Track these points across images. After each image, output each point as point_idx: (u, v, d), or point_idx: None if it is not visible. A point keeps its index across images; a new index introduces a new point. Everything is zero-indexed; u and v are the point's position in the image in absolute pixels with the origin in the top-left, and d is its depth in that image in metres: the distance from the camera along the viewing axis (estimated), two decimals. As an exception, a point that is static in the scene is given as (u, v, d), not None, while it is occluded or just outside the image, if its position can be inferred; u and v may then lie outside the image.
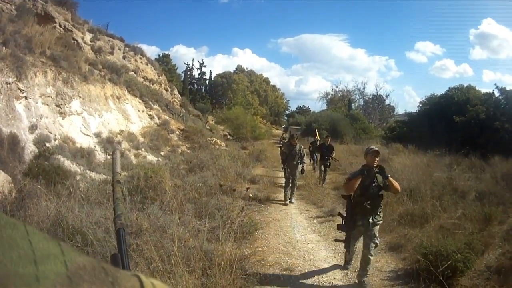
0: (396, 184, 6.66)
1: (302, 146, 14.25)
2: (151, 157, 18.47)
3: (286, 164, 13.61)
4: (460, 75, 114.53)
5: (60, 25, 21.37)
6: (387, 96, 72.36)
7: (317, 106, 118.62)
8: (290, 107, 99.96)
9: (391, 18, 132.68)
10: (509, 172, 14.75)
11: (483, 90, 36.00)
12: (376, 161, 6.66)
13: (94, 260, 0.55)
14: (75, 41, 22.17)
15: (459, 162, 18.65)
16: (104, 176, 12.49)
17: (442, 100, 34.13)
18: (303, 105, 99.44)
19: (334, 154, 17.21)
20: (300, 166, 13.67)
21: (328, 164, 16.84)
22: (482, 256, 7.17)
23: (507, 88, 29.18)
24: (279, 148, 19.90)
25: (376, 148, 6.85)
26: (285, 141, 20.52)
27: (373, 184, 6.68)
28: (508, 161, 17.18)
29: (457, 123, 28.13)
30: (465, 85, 35.71)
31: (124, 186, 7.59)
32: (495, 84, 31.86)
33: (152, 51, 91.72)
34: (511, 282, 5.98)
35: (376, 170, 6.66)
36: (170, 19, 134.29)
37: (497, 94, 29.62)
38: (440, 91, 40.16)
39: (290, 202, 13.23)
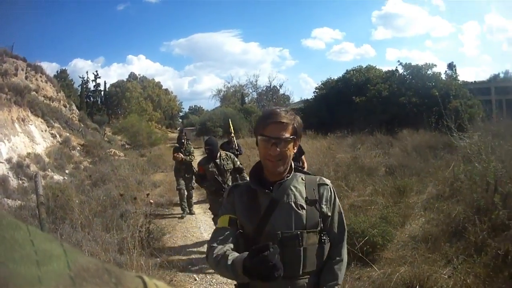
0: None
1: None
2: (57, 177, 18.14)
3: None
4: (361, 56, 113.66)
5: (-30, 53, 20.86)
6: (280, 86, 71.22)
7: (210, 104, 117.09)
8: (183, 108, 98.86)
9: (286, 8, 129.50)
10: (420, 143, 14.79)
11: (386, 68, 35.90)
12: None
13: (98, 261, 0.55)
14: (-17, 67, 21.50)
15: (363, 141, 18.28)
16: (19, 201, 12.42)
17: (339, 83, 33.97)
18: (195, 105, 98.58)
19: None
20: None
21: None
22: (403, 228, 7.10)
23: (413, 64, 29.48)
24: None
25: None
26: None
27: None
28: (419, 133, 17.24)
29: (357, 104, 28.29)
30: (364, 66, 35.68)
31: (36, 211, 7.70)
32: (399, 61, 31.64)
33: (52, 67, 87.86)
34: (442, 248, 5.82)
35: None
36: (68, 33, 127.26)
37: (401, 70, 30.03)
38: (338, 74, 38.12)
39: None
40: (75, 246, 6.24)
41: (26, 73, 29.71)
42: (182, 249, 8.15)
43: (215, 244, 2.21)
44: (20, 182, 15.68)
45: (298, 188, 2.29)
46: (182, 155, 11.08)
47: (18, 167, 16.76)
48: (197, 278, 6.57)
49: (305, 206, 2.23)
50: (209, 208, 8.45)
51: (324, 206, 2.29)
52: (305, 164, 8.11)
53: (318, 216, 2.24)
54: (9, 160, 16.80)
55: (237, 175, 7.75)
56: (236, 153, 10.13)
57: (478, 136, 8.64)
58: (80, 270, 0.49)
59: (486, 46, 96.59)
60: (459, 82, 29.54)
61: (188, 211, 11.24)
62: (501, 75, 46.03)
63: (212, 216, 8.10)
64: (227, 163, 7.59)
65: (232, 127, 11.72)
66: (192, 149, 11.85)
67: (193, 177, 10.65)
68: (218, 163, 7.48)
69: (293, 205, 2.22)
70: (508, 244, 5.03)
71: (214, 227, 6.31)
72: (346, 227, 2.44)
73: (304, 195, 2.26)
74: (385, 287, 4.94)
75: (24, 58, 30.25)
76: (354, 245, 5.74)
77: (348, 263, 4.80)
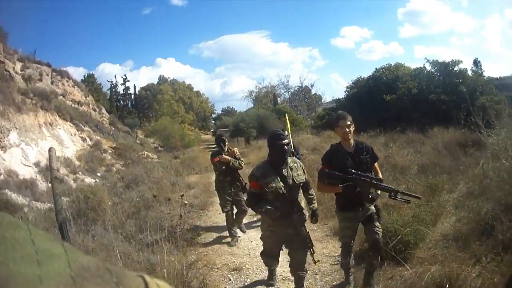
0: None
1: None
2: (89, 180, 18.08)
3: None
4: (390, 54, 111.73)
5: (-7, 59, 20.87)
6: (312, 86, 67.51)
7: (242, 105, 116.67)
8: (215, 110, 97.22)
9: (313, 7, 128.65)
10: (450, 140, 14.51)
11: (415, 65, 33.65)
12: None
13: (99, 261, 0.54)
14: (7, 72, 21.40)
15: (395, 140, 18.03)
16: (48, 204, 12.26)
17: (370, 82, 32.99)
18: (228, 107, 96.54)
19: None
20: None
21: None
22: (434, 227, 6.90)
23: (440, 60, 28.62)
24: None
25: None
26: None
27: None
28: (449, 131, 16.55)
29: (388, 102, 27.66)
30: (393, 64, 34.22)
31: (67, 212, 7.51)
32: (426, 58, 30.88)
33: (79, 72, 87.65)
34: (472, 246, 5.52)
35: None
36: (94, 38, 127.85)
37: (429, 67, 29.23)
38: (368, 73, 35.80)
39: None
40: (106, 246, 6.64)
41: (51, 78, 29.96)
42: (217, 249, 8.11)
43: None
44: (49, 185, 15.26)
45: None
46: (228, 157, 8.29)
47: (47, 170, 16.27)
48: (231, 278, 6.54)
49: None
50: (263, 245, 5.26)
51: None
52: (380, 174, 5.64)
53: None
54: (37, 164, 16.79)
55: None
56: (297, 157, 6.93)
57: (505, 132, 8.68)
58: (81, 270, 0.49)
59: (509, 40, 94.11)
60: (484, 78, 28.64)
61: (237, 233, 8.54)
62: (526, 70, 44.66)
63: (265, 256, 5.40)
64: (298, 174, 4.85)
65: (289, 125, 9.05)
66: (239, 154, 8.73)
67: (243, 188, 8.28)
68: (285, 174, 4.72)
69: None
70: (535, 242, 4.90)
71: (262, 256, 5.61)
72: None
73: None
74: (416, 287, 4.93)
75: (48, 64, 30.48)
76: (387, 244, 5.80)
77: (381, 261, 5.28)
